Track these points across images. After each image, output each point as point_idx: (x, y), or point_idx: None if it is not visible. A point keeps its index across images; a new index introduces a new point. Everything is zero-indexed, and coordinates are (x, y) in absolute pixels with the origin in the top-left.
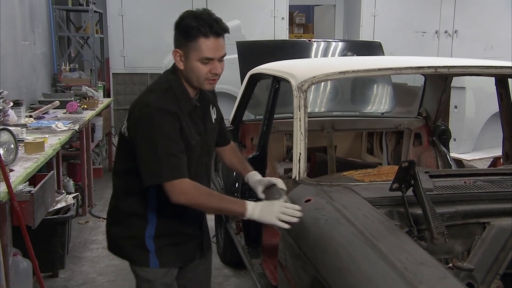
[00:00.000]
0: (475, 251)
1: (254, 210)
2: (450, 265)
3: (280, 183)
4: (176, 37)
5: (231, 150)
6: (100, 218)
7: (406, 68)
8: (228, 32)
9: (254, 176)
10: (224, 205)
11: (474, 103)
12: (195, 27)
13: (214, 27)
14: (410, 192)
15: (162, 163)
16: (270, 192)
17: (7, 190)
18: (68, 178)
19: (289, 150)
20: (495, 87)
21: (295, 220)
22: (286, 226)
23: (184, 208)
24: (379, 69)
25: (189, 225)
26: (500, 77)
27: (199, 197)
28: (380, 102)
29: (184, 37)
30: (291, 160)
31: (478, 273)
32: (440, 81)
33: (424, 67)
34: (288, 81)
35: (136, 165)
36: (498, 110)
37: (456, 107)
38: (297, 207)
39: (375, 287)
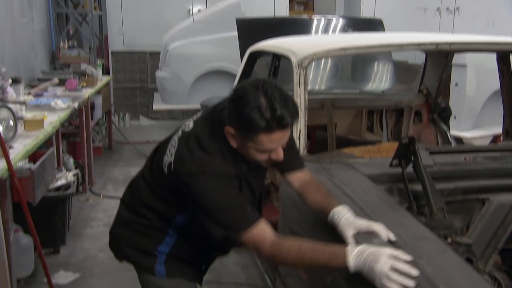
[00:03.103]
0: (474, 227)
1: (357, 261)
2: (449, 240)
3: (383, 233)
4: (229, 114)
5: (313, 186)
6: (100, 195)
7: (407, 44)
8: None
9: (343, 213)
10: (318, 260)
11: (475, 80)
12: (258, 126)
13: (283, 121)
14: (410, 169)
15: (232, 215)
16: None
17: (7, 167)
18: (68, 155)
19: None
20: (496, 63)
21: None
22: None
23: (205, 240)
24: (380, 45)
25: (206, 255)
26: (502, 54)
27: (287, 256)
28: (380, 79)
29: (242, 127)
30: None
31: (477, 248)
32: (441, 58)
33: (425, 43)
34: (288, 58)
35: (169, 196)
36: (499, 87)
37: (457, 84)
38: (413, 272)
39: None
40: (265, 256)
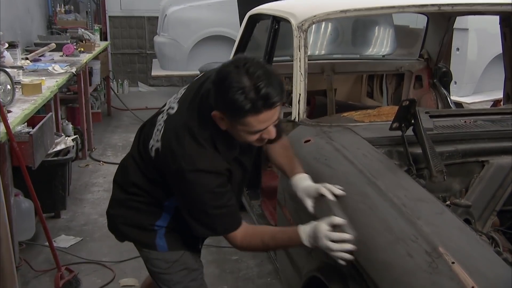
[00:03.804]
0: (473, 189)
1: (310, 241)
2: (448, 202)
3: (328, 193)
4: (215, 98)
5: (279, 147)
6: (100, 161)
7: (409, 6)
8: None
9: (301, 182)
10: (280, 245)
11: (476, 45)
12: (244, 108)
13: (270, 100)
14: (409, 133)
15: (214, 218)
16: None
17: (5, 131)
18: (67, 121)
19: (289, 94)
20: (499, 26)
21: (345, 251)
22: (342, 262)
23: None
24: (382, 7)
25: None
26: (505, 15)
27: (256, 248)
28: (381, 44)
29: (228, 111)
30: (290, 104)
31: (475, 209)
32: (443, 22)
33: (427, 4)
34: (288, 21)
35: (158, 178)
36: (500, 52)
37: (458, 49)
38: (346, 235)
39: (373, 222)
40: (236, 248)
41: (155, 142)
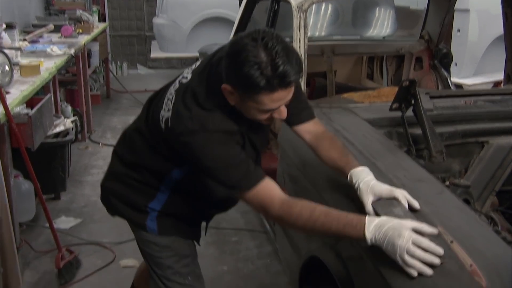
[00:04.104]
0: (472, 169)
1: (376, 234)
2: (447, 183)
3: (404, 200)
4: (226, 70)
5: (327, 142)
6: (100, 143)
7: None
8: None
9: (363, 175)
10: (332, 226)
11: (477, 26)
12: (258, 85)
13: (286, 79)
14: (409, 113)
15: (233, 172)
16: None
17: (4, 112)
18: (66, 103)
19: None
20: (500, 6)
21: (428, 265)
22: (413, 273)
23: (202, 198)
24: None
25: (199, 216)
26: None
27: (297, 220)
28: (382, 25)
29: (241, 86)
30: None
31: (475, 190)
32: (444, 2)
33: None
34: (287, 1)
35: (167, 152)
36: (502, 33)
37: (459, 30)
38: (439, 249)
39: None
40: (273, 216)
41: (165, 112)
